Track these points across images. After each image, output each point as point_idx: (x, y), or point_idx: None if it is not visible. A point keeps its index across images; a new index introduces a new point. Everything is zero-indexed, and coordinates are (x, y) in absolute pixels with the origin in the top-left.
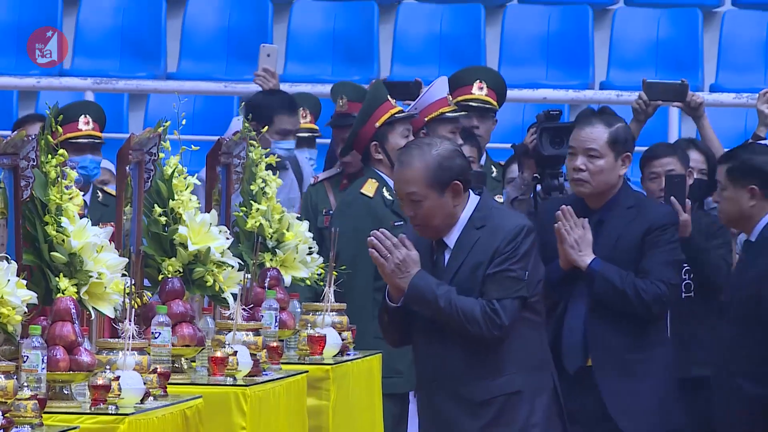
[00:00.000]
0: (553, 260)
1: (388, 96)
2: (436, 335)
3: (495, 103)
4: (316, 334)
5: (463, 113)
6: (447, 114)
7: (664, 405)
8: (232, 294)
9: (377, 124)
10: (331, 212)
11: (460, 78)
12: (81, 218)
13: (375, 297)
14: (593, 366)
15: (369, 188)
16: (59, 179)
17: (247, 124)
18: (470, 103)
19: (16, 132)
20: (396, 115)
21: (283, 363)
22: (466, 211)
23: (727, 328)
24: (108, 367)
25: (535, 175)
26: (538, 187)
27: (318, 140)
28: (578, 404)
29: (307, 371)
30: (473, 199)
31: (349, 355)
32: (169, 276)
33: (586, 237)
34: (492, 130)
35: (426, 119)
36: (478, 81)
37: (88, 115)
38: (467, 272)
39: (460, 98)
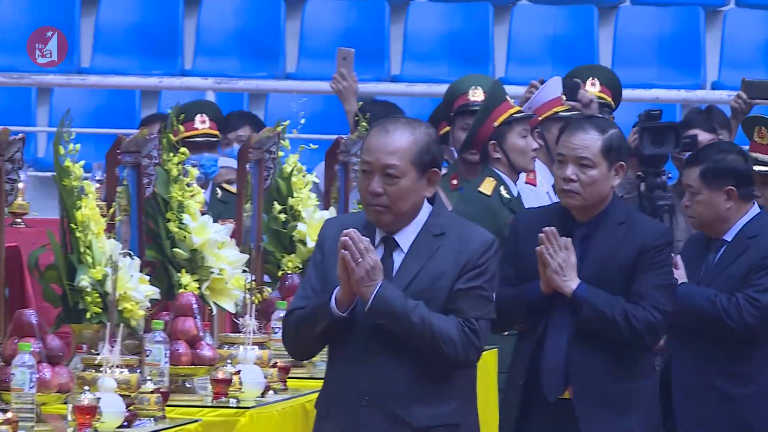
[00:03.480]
0: (529, 278)
1: (507, 96)
2: (378, 350)
3: (609, 99)
4: None
5: (576, 112)
6: (560, 113)
7: None
8: None
9: (496, 124)
10: None
11: (574, 77)
12: (202, 215)
13: None
14: (574, 397)
15: (487, 187)
16: (181, 177)
17: (364, 123)
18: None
19: (138, 131)
20: (514, 115)
21: None
22: (422, 214)
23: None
24: (229, 361)
25: (638, 174)
26: (642, 185)
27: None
28: None
29: None
30: (427, 205)
31: None
32: (289, 272)
33: (570, 260)
34: None
35: (540, 118)
36: (591, 78)
37: (204, 114)
38: (427, 281)
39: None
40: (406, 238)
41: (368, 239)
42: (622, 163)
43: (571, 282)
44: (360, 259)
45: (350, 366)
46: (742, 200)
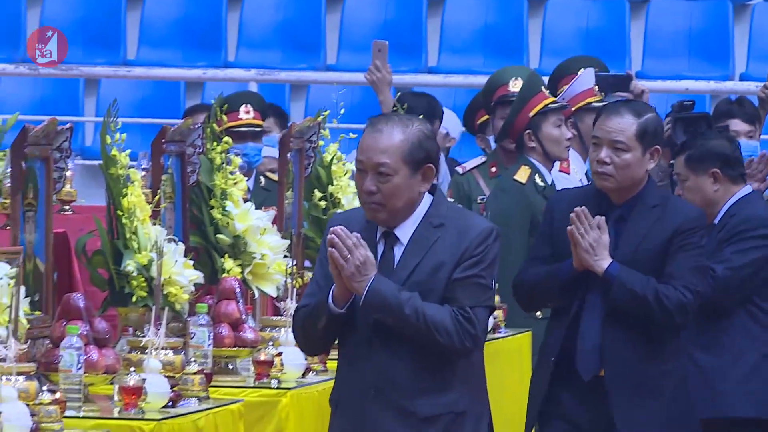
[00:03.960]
0: (565, 258)
1: (542, 87)
2: (379, 343)
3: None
4: None
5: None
6: (593, 104)
7: (679, 420)
8: None
9: (531, 114)
10: (483, 199)
11: (565, 68)
12: (245, 202)
13: None
14: (606, 377)
15: (522, 175)
16: (224, 165)
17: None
18: None
19: (183, 121)
20: (549, 106)
21: None
22: (422, 207)
23: None
24: (271, 343)
25: (671, 162)
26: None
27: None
28: (586, 415)
29: None
30: (427, 196)
31: (500, 333)
32: None
33: (603, 239)
34: None
35: (573, 109)
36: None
37: (249, 105)
38: (426, 273)
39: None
40: (405, 231)
41: (358, 235)
42: (658, 147)
43: (603, 261)
44: (348, 256)
45: (356, 360)
46: (730, 182)
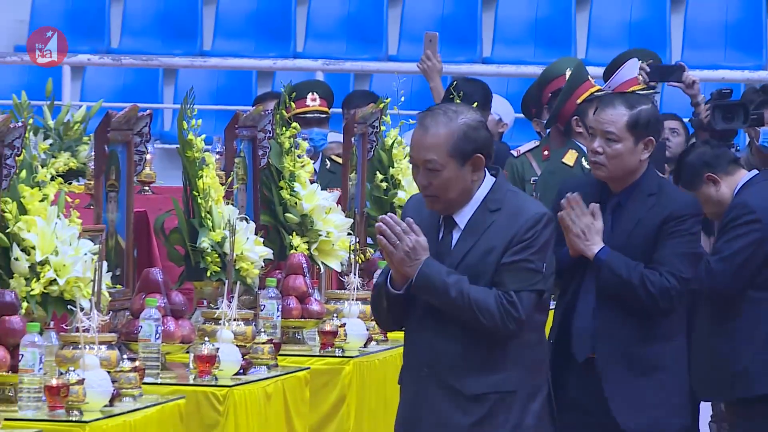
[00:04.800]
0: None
1: (589, 76)
2: (432, 322)
3: None
4: None
5: (652, 91)
6: (637, 92)
7: (671, 399)
8: None
9: (578, 101)
10: (535, 180)
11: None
12: (311, 184)
13: None
14: (597, 358)
15: (569, 158)
16: (292, 149)
17: (458, 101)
18: None
19: (254, 108)
20: (595, 93)
21: None
22: (481, 191)
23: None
24: (335, 315)
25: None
26: None
27: None
28: (582, 394)
29: None
30: (489, 180)
31: None
32: None
33: (596, 225)
34: None
35: None
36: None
37: (315, 92)
38: (478, 256)
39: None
40: (463, 216)
41: (410, 220)
42: (651, 138)
43: (594, 246)
44: (398, 242)
45: (413, 339)
46: (727, 175)
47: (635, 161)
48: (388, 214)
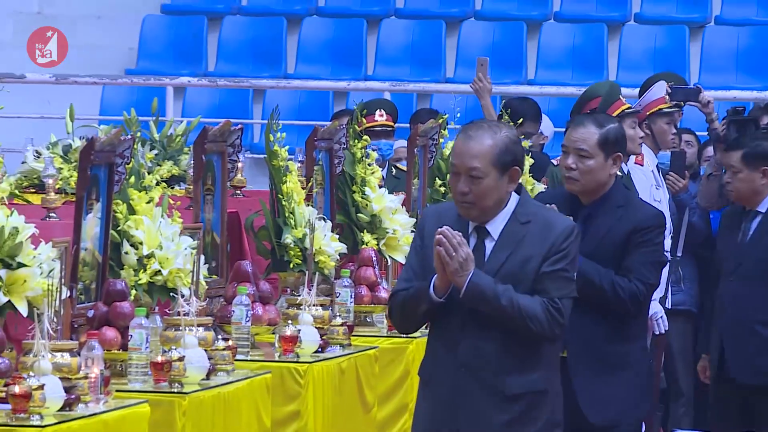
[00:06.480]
0: None
1: (620, 95)
2: (472, 326)
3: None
4: None
5: (677, 109)
6: (664, 110)
7: (634, 394)
8: None
9: None
10: None
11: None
12: (380, 188)
13: None
14: (568, 357)
15: None
16: (363, 158)
17: (506, 117)
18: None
19: (330, 123)
20: (626, 110)
21: None
22: (510, 204)
23: (736, 287)
24: None
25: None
26: None
27: None
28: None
29: None
30: (514, 195)
31: None
32: None
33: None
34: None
35: (647, 113)
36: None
37: (382, 109)
38: (516, 265)
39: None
40: (496, 226)
41: (461, 234)
42: (619, 153)
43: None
44: (454, 253)
45: (450, 341)
46: None
47: (605, 175)
48: (445, 227)
